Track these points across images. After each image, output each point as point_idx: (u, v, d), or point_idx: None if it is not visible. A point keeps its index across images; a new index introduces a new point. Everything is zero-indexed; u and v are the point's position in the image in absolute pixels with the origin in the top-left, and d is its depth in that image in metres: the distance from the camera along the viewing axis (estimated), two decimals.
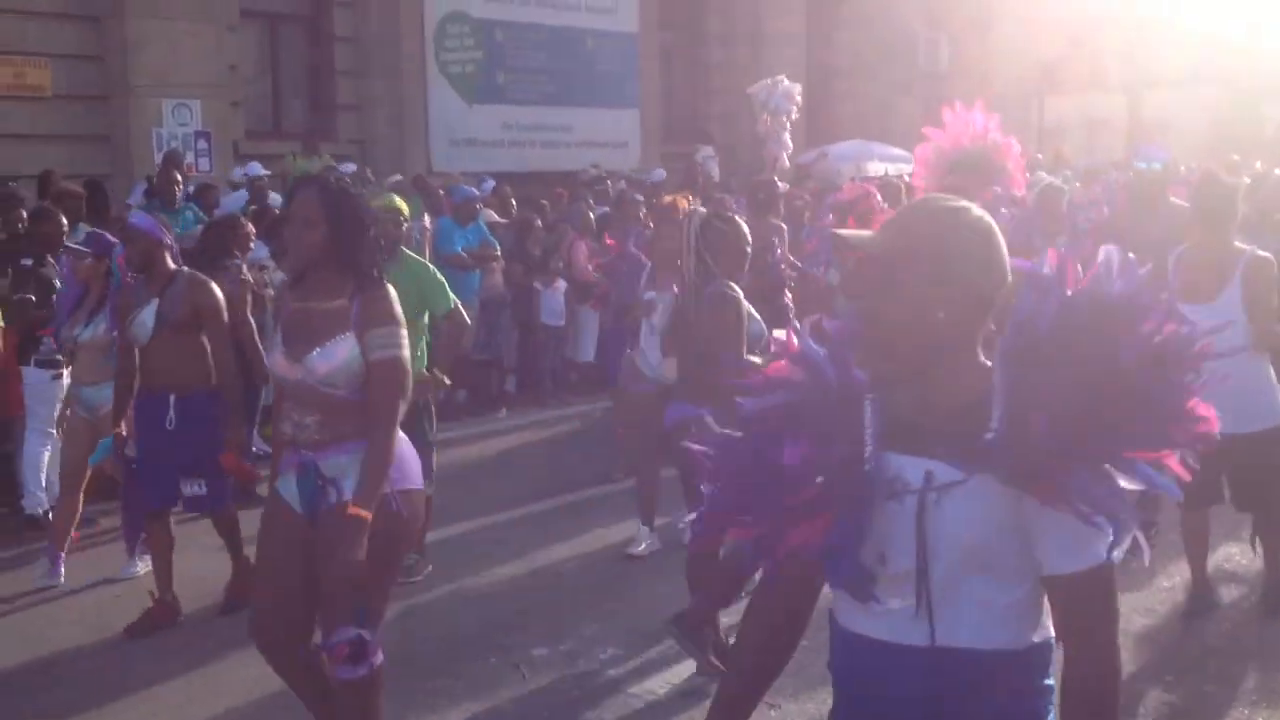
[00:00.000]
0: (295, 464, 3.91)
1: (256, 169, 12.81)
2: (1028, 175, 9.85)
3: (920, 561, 2.05)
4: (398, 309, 3.95)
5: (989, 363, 2.08)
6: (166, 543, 6.13)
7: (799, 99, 16.53)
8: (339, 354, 3.81)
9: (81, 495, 6.84)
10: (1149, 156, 6.45)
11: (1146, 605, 6.05)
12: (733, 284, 5.36)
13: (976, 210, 2.11)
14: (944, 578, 2.05)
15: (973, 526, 2.03)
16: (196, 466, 5.98)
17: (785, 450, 2.06)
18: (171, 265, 6.05)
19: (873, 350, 2.11)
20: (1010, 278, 2.11)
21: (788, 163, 16.57)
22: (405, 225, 6.83)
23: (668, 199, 7.28)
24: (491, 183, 14.65)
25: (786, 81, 16.25)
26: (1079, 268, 2.06)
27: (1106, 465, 1.97)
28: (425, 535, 6.69)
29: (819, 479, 2.05)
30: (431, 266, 6.75)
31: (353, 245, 3.90)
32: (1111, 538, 2.02)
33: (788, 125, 16.39)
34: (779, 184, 9.58)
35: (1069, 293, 2.04)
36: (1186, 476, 1.99)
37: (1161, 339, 2.00)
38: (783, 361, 2.18)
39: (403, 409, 3.87)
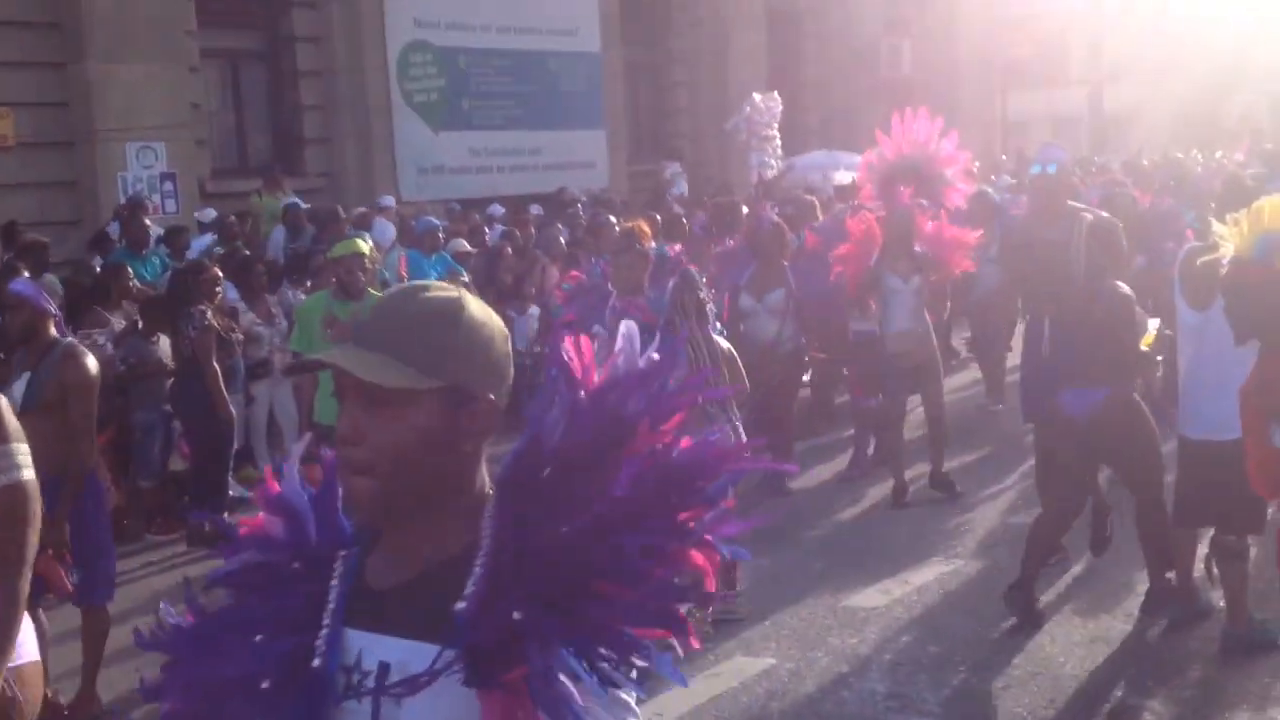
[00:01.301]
0: None
1: (210, 214, 12.81)
2: (973, 184, 9.97)
3: None
4: (9, 421, 3.23)
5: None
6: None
7: (777, 105, 16.24)
8: None
9: None
10: (1046, 159, 6.38)
11: (1127, 611, 6.10)
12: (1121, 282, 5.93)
13: (477, 304, 1.69)
14: None
15: None
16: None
17: (225, 654, 1.65)
18: (53, 334, 5.43)
19: (352, 485, 1.66)
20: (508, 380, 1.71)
21: (769, 176, 16.40)
22: (374, 264, 6.89)
23: (629, 225, 7.30)
24: (501, 209, 14.79)
25: (757, 97, 16.14)
26: (597, 352, 1.68)
27: (601, 648, 1.53)
28: None
29: (264, 684, 1.62)
30: None
31: None
32: None
33: (773, 137, 16.10)
34: (740, 204, 9.69)
35: (582, 394, 1.65)
36: (697, 646, 1.58)
37: (667, 458, 1.60)
38: (263, 510, 1.77)
39: (34, 543, 3.18)
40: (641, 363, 1.66)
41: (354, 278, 6.57)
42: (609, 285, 7.16)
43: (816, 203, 10.78)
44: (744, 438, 6.31)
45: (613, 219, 11.54)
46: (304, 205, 13.17)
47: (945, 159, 9.61)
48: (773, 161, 15.47)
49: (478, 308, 1.69)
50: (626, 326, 1.68)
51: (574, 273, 7.37)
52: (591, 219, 11.61)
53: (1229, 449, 5.41)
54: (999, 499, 8.19)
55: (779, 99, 16.13)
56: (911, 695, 5.34)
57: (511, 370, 1.72)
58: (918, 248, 8.22)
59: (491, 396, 1.67)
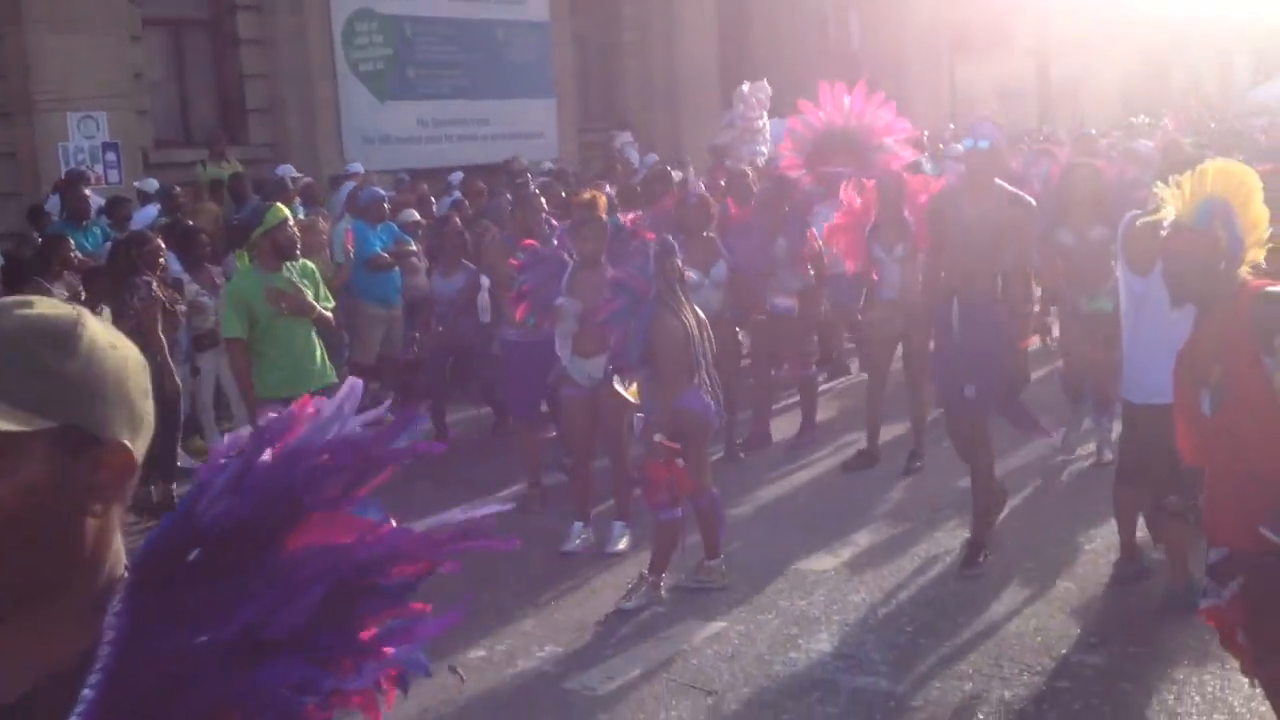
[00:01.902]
0: None
1: (152, 184, 12.64)
2: (918, 154, 9.90)
3: None
4: None
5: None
6: None
7: (765, 93, 15.79)
8: None
9: None
10: (978, 134, 6.30)
11: (1071, 571, 6.19)
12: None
13: (100, 326, 1.34)
14: None
15: None
16: None
17: None
18: None
19: None
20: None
21: (761, 163, 15.79)
22: (325, 230, 6.92)
23: (587, 196, 7.26)
24: (460, 175, 14.63)
25: (745, 88, 15.60)
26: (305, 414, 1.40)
27: None
28: None
29: None
30: (315, 270, 7.08)
31: None
32: None
33: (763, 127, 15.61)
34: (669, 172, 9.56)
35: (263, 457, 1.36)
36: None
37: (350, 549, 1.34)
38: None
39: None
40: (365, 417, 1.40)
41: (292, 239, 6.61)
42: (566, 256, 7.13)
43: (750, 173, 10.66)
44: (720, 402, 6.34)
45: (536, 191, 11.35)
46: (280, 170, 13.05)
47: (883, 128, 9.56)
48: (763, 149, 15.25)
49: (101, 330, 1.33)
50: (350, 384, 1.44)
51: (528, 241, 7.32)
52: (542, 188, 11.40)
53: (1171, 412, 5.50)
54: (949, 464, 8.26)
55: (768, 86, 15.92)
56: (860, 656, 5.39)
57: (152, 411, 1.36)
58: (908, 215, 8.13)
59: (125, 441, 1.30)
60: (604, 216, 7.10)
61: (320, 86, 16.20)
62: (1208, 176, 3.91)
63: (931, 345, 6.61)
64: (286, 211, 6.90)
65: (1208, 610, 3.97)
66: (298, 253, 6.78)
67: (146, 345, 8.03)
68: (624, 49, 21.45)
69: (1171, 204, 3.96)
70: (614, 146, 18.50)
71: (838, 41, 24.12)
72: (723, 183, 10.59)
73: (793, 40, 22.95)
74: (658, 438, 6.04)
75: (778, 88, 16.54)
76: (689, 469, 6.07)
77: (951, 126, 19.28)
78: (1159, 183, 4.14)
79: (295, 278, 6.77)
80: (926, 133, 14.33)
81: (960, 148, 15.82)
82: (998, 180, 6.30)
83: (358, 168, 14.30)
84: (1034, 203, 6.50)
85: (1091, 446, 8.10)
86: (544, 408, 8.01)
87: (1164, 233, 4.02)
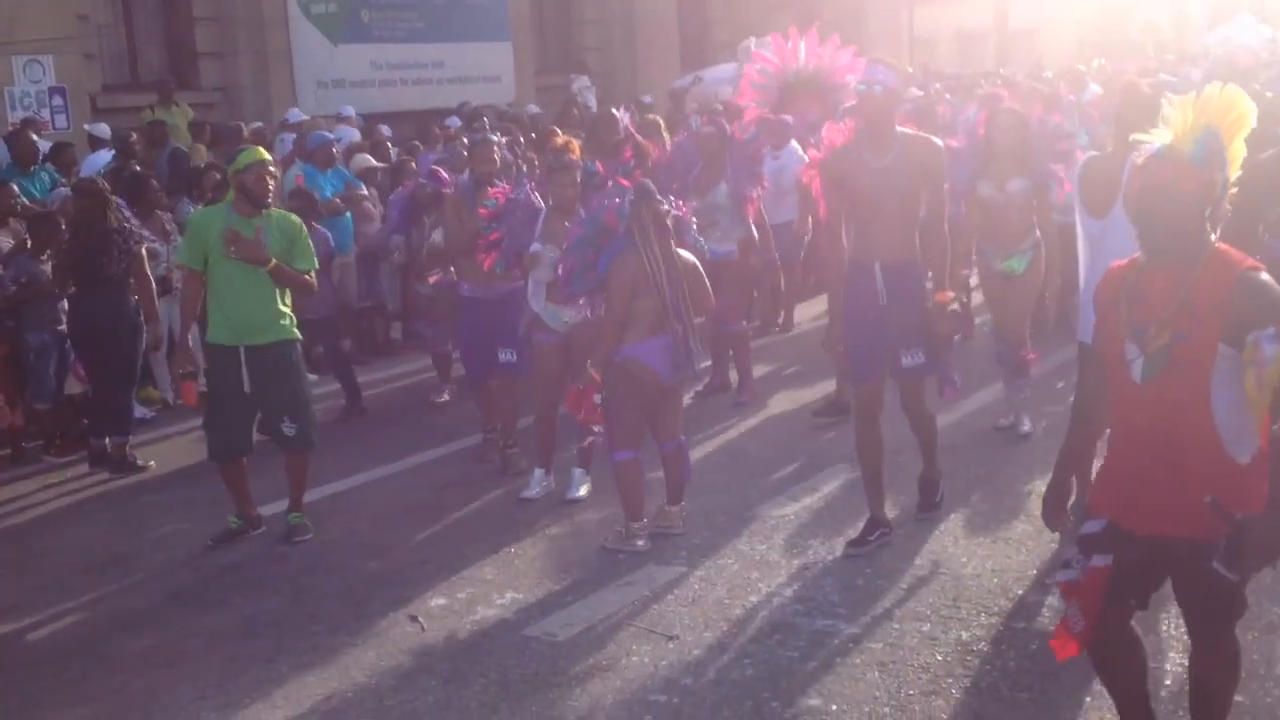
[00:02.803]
0: None
1: (104, 130, 12.40)
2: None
3: None
4: None
5: None
6: None
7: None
8: None
9: None
10: (871, 79, 5.91)
11: (1028, 512, 6.23)
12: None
13: None
14: None
15: None
16: None
17: None
18: None
19: None
20: None
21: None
22: (275, 180, 6.70)
23: (560, 141, 7.13)
24: (388, 130, 14.35)
25: (751, 42, 14.92)
26: None
27: None
28: (301, 497, 6.65)
29: None
30: (302, 226, 6.69)
31: None
32: None
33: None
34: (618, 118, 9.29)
35: None
36: None
37: None
38: None
39: None
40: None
41: (263, 184, 6.39)
42: (538, 202, 7.04)
43: (660, 121, 10.29)
44: (698, 346, 6.31)
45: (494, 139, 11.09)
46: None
47: (845, 67, 9.30)
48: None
49: None
50: None
51: (495, 190, 7.19)
52: (471, 136, 11.02)
53: None
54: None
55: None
56: (818, 598, 5.42)
57: None
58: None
59: None
60: (578, 161, 7.02)
61: (272, 30, 15.93)
62: (1212, 101, 3.35)
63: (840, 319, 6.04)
64: (262, 155, 6.54)
65: (1066, 585, 3.58)
66: (269, 200, 6.49)
67: (142, 290, 8.00)
68: None
69: (1172, 126, 3.35)
70: (571, 90, 18.32)
71: None
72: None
73: None
74: (590, 367, 6.10)
75: (740, 30, 16.37)
76: (625, 420, 6.08)
77: (910, 70, 19.20)
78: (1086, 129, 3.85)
79: (271, 228, 6.41)
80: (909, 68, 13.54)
81: (917, 91, 15.82)
82: (899, 126, 5.84)
83: (297, 114, 14.06)
84: (939, 143, 6.05)
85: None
86: (509, 356, 7.41)
87: (1140, 160, 3.40)
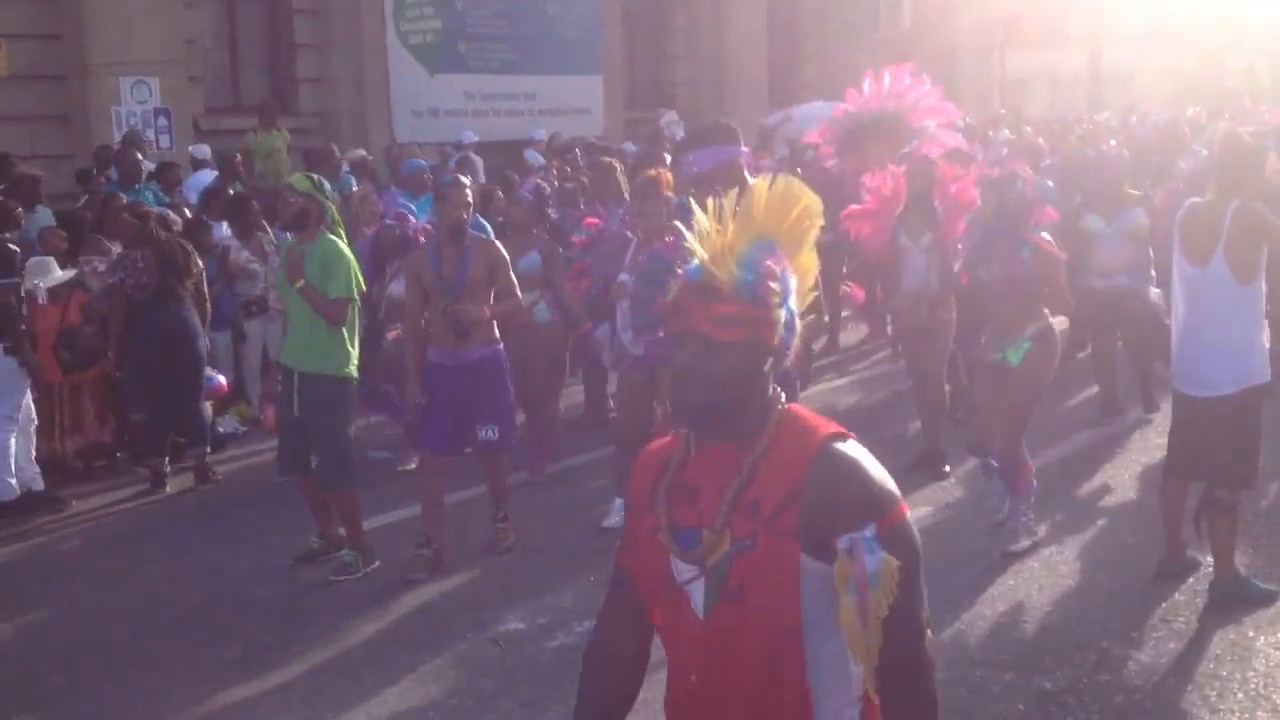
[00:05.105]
0: None
1: (205, 151, 12.73)
2: (958, 140, 9.39)
3: None
4: None
5: None
6: None
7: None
8: None
9: None
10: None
11: (1114, 564, 6.15)
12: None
13: None
14: None
15: None
16: None
17: None
18: None
19: None
20: None
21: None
22: (333, 204, 6.69)
23: (651, 173, 7.22)
24: (473, 136, 14.63)
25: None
26: None
27: None
28: (361, 532, 6.60)
29: None
30: (343, 250, 6.46)
31: None
32: None
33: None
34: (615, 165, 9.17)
35: None
36: None
37: None
38: None
39: None
40: None
41: (284, 206, 6.58)
42: (629, 233, 7.12)
43: (616, 165, 9.78)
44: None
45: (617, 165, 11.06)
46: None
47: (928, 110, 9.08)
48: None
49: None
50: None
51: (590, 220, 7.27)
52: (591, 165, 11.12)
53: (1222, 404, 5.48)
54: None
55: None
56: None
57: None
58: (938, 204, 7.55)
59: None
60: (668, 194, 7.08)
61: (371, 58, 16.25)
62: (762, 200, 2.24)
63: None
64: (298, 180, 6.63)
65: None
66: (288, 222, 6.61)
67: (203, 308, 8.30)
68: (673, 28, 21.38)
69: (699, 242, 2.23)
70: (659, 125, 18.45)
71: (889, 28, 23.93)
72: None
73: (843, 27, 22.79)
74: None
75: (829, 69, 16.43)
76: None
77: (1002, 111, 19.11)
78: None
79: (315, 253, 6.36)
80: (966, 118, 13.40)
81: (1008, 133, 15.67)
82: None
83: (361, 153, 14.10)
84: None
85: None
86: (490, 433, 6.62)
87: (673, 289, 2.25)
